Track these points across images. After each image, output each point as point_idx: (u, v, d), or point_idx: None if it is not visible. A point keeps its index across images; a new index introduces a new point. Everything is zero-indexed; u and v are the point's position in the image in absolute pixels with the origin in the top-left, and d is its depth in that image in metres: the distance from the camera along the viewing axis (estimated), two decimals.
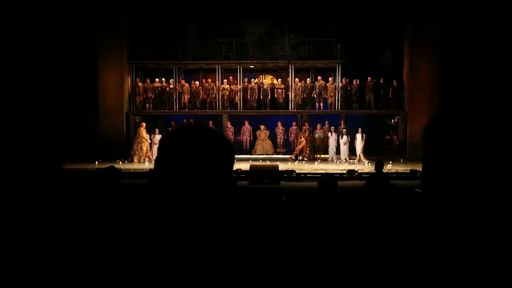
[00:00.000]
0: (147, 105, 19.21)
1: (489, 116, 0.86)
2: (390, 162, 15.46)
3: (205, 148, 1.00)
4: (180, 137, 1.03)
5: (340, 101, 18.95)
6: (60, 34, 17.65)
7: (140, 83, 19.31)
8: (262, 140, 19.13)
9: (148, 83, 19.27)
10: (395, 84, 18.83)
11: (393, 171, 13.85)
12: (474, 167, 0.85)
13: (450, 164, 0.87)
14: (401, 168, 14.68)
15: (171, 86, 19.20)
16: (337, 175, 12.16)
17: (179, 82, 19.35)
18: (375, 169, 8.53)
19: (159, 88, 19.18)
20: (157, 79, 19.45)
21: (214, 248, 0.98)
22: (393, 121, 20.20)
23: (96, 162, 15.37)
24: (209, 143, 1.01)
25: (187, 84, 19.22)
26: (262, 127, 19.32)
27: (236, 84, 19.43)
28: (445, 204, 0.88)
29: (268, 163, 16.03)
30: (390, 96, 18.83)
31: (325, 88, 18.93)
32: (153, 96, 19.11)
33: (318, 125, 18.62)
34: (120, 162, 16.06)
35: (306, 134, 18.23)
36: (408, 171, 13.38)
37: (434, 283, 0.86)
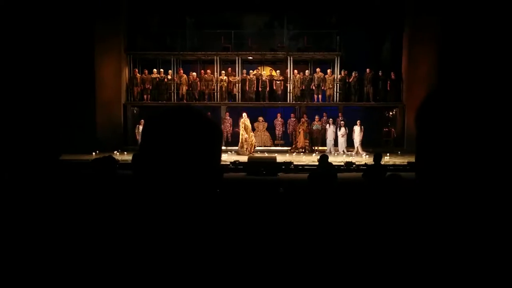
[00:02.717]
0: (145, 96, 19.15)
1: (485, 102, 0.85)
2: (388, 154, 15.47)
3: (191, 132, 0.96)
4: (166, 120, 0.99)
5: (339, 93, 18.92)
6: (57, 24, 17.52)
7: (138, 74, 19.23)
8: (260, 132, 19.11)
9: (146, 74, 19.19)
10: (393, 76, 18.81)
11: (391, 163, 13.87)
12: (468, 149, 0.84)
13: (443, 145, 0.86)
14: (398, 160, 14.71)
15: (169, 77, 19.12)
16: (336, 167, 12.16)
17: (177, 73, 19.27)
18: (373, 161, 8.55)
19: (157, 79, 19.10)
20: (155, 70, 19.35)
21: (204, 240, 0.97)
22: (391, 113, 20.20)
23: (94, 153, 15.33)
24: (196, 127, 0.97)
25: (185, 75, 19.14)
26: (260, 119, 19.29)
27: (235, 76, 19.36)
28: (439, 188, 0.87)
29: (266, 155, 16.03)
30: (388, 88, 18.81)
31: (324, 80, 18.89)
32: (151, 87, 19.03)
33: (317, 117, 18.60)
34: (118, 153, 16.03)
35: (305, 126, 18.21)
36: (406, 163, 13.40)
37: (433, 275, 0.85)
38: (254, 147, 17.09)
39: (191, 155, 0.94)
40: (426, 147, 0.89)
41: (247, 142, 16.70)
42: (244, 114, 17.15)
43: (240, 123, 17.07)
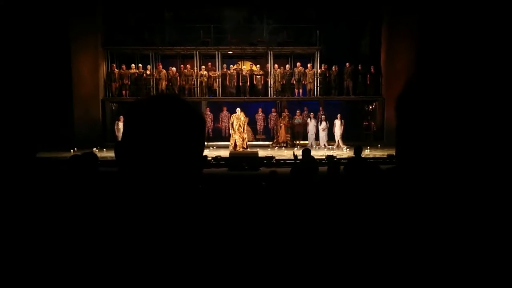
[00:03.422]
0: (124, 92, 18.88)
1: (463, 91, 0.85)
2: (368, 147, 15.63)
3: (175, 119, 0.92)
4: (149, 107, 0.95)
5: (319, 87, 19.01)
6: (33, 19, 17.11)
7: (116, 69, 18.94)
8: None
9: (124, 69, 18.92)
10: (372, 70, 18.99)
11: (371, 156, 14.01)
12: (448, 137, 0.83)
13: (423, 133, 0.85)
14: (378, 153, 14.87)
15: (148, 72, 18.89)
16: (317, 161, 12.23)
17: (156, 68, 19.05)
18: (354, 154, 8.61)
19: (136, 74, 18.85)
20: (133, 65, 19.10)
21: (190, 234, 0.94)
22: (371, 107, 20.40)
23: (72, 150, 15.08)
24: (179, 114, 0.94)
25: (164, 70, 18.95)
26: (238, 110, 19.19)
27: (215, 71, 19.25)
28: (419, 177, 0.87)
29: (248, 149, 15.99)
30: (368, 82, 18.99)
31: (304, 74, 18.95)
32: (129, 82, 18.78)
33: (298, 111, 18.66)
34: (97, 150, 15.79)
35: (286, 120, 18.24)
36: (385, 156, 13.57)
37: (414, 265, 0.84)
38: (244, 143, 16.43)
39: (174, 143, 0.91)
40: (406, 136, 0.88)
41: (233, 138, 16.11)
42: (238, 109, 16.51)
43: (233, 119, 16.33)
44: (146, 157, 0.90)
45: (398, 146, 0.92)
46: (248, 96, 19.07)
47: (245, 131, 16.03)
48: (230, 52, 20.29)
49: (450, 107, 0.83)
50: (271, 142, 18.50)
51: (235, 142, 15.92)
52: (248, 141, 18.52)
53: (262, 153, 14.63)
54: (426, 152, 0.84)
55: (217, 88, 19.12)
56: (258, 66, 19.66)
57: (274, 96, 19.27)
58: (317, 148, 17.27)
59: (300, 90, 19.18)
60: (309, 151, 9.01)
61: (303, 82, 19.03)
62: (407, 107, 0.89)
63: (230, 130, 16.29)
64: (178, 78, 18.93)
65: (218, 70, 19.23)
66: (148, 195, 0.91)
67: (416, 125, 0.86)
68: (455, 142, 0.82)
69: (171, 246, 0.91)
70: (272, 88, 19.13)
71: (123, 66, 19.02)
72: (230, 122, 16.20)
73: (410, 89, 0.91)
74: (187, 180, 0.94)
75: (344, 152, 15.54)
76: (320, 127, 17.72)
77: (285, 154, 15.38)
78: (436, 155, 0.83)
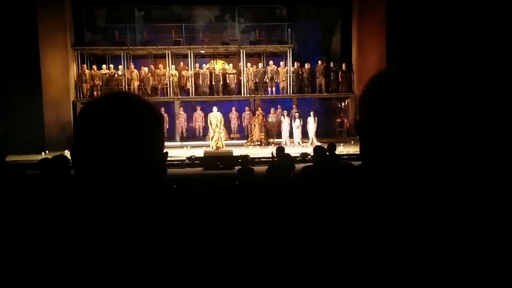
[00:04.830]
0: (95, 93, 18.51)
1: (429, 85, 0.86)
2: (342, 144, 15.80)
3: (126, 117, 0.90)
4: (100, 106, 0.92)
5: (292, 85, 19.10)
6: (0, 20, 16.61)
7: (86, 70, 18.57)
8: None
9: (95, 70, 18.58)
10: (344, 67, 19.20)
11: (345, 152, 14.18)
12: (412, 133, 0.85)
13: (387, 130, 0.87)
14: (352, 149, 15.06)
15: (120, 73, 18.60)
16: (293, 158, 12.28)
17: (127, 68, 18.78)
18: (327, 151, 8.68)
19: (107, 75, 18.54)
20: (104, 66, 18.77)
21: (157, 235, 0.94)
22: (343, 104, 20.63)
23: (42, 153, 14.73)
24: (131, 112, 0.91)
25: (136, 70, 18.69)
26: (214, 108, 19.10)
27: (187, 70, 19.11)
28: (384, 172, 0.88)
29: (222, 149, 15.94)
30: (340, 79, 19.20)
31: (277, 72, 19.01)
32: (100, 83, 18.45)
33: (272, 109, 18.71)
34: (68, 153, 15.46)
35: (260, 119, 18.27)
36: (359, 153, 13.73)
37: (385, 263, 0.86)
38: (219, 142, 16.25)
39: (129, 141, 0.89)
40: (370, 133, 0.89)
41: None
42: (215, 108, 16.35)
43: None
44: (101, 158, 0.88)
45: (365, 143, 0.93)
46: (222, 95, 19.01)
47: (221, 130, 15.94)
48: (202, 51, 20.17)
49: (418, 103, 0.83)
50: (245, 141, 18.50)
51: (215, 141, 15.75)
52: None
53: (236, 152, 14.62)
54: (395, 148, 0.85)
55: (190, 88, 18.98)
56: (230, 65, 19.60)
57: (248, 95, 19.27)
58: (291, 145, 17.36)
59: (273, 88, 19.23)
60: (283, 149, 9.04)
61: (276, 80, 19.09)
62: (373, 104, 0.90)
63: (209, 130, 16.15)
64: (151, 78, 18.72)
65: (191, 69, 19.09)
66: (106, 196, 0.90)
67: (383, 122, 0.87)
68: (421, 137, 0.83)
69: (137, 247, 0.91)
70: (245, 87, 19.12)
71: (94, 67, 18.68)
72: (208, 121, 16.08)
73: (374, 86, 0.93)
74: (146, 178, 0.92)
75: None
76: (294, 125, 17.81)
77: (260, 152, 15.40)
78: (404, 151, 0.84)
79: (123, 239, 0.90)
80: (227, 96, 19.16)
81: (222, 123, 16.03)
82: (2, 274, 0.87)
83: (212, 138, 15.81)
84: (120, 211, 0.91)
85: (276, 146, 10.51)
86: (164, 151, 0.98)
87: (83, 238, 0.89)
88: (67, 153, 15.22)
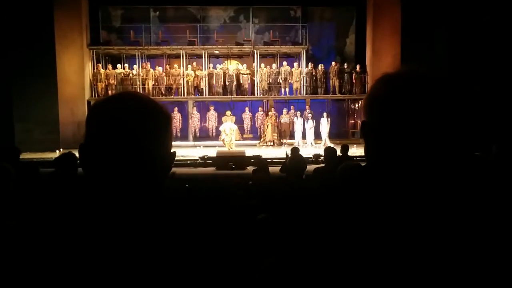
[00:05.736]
0: (109, 92, 18.68)
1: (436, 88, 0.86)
2: (355, 145, 15.71)
3: (134, 117, 0.90)
4: (108, 106, 0.93)
5: (306, 86, 19.06)
6: (16, 20, 16.85)
7: (101, 69, 18.77)
8: None
9: (110, 69, 18.77)
10: (358, 69, 19.10)
11: (358, 154, 14.09)
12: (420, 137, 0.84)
13: (395, 133, 0.86)
14: None
15: (135, 72, 18.76)
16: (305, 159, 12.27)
17: (142, 67, 18.93)
18: (340, 152, 8.65)
19: (122, 74, 18.71)
20: (119, 65, 18.95)
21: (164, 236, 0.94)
22: (356, 105, 20.51)
23: (57, 151, 14.93)
24: (139, 111, 0.92)
25: (151, 70, 18.84)
26: (228, 113, 19.20)
27: (201, 70, 19.19)
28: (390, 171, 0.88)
29: (235, 149, 15.98)
30: (353, 81, 19.10)
31: (291, 73, 18.99)
32: (115, 82, 18.63)
33: (284, 110, 18.70)
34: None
35: (273, 119, 18.27)
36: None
37: (389, 264, 0.85)
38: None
39: (136, 140, 0.89)
40: (376, 134, 0.89)
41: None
42: (228, 112, 16.97)
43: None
44: (107, 157, 0.89)
45: (370, 144, 0.93)
46: (235, 96, 19.05)
47: (232, 136, 16.28)
48: (217, 52, 20.23)
49: (427, 104, 0.83)
50: (258, 141, 18.51)
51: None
52: (236, 140, 18.50)
53: (249, 152, 14.63)
54: (401, 149, 0.85)
55: (204, 88, 19.06)
56: (244, 65, 19.63)
57: (261, 95, 19.28)
58: (304, 146, 17.32)
59: (287, 89, 19.21)
60: (298, 149, 9.05)
61: (289, 81, 19.07)
62: (380, 105, 0.90)
63: (222, 134, 16.39)
64: (165, 77, 18.84)
65: (205, 69, 19.17)
66: (114, 195, 0.90)
67: (390, 123, 0.86)
68: (428, 139, 0.83)
69: (142, 247, 0.91)
70: (258, 88, 19.13)
71: (109, 66, 18.88)
72: (223, 129, 16.41)
73: (382, 88, 0.92)
74: (152, 177, 0.92)
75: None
76: (307, 126, 17.77)
77: (272, 153, 15.39)
78: (411, 153, 0.83)
79: (128, 237, 0.90)
80: (240, 96, 19.19)
81: (235, 133, 16.47)
82: (4, 273, 0.88)
83: (223, 140, 16.09)
84: (125, 210, 0.92)
85: (288, 147, 10.51)
86: (172, 150, 0.99)
87: (87, 235, 0.89)
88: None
